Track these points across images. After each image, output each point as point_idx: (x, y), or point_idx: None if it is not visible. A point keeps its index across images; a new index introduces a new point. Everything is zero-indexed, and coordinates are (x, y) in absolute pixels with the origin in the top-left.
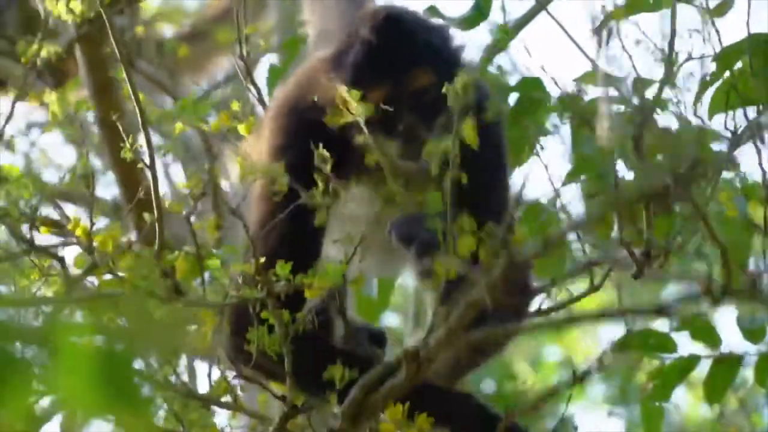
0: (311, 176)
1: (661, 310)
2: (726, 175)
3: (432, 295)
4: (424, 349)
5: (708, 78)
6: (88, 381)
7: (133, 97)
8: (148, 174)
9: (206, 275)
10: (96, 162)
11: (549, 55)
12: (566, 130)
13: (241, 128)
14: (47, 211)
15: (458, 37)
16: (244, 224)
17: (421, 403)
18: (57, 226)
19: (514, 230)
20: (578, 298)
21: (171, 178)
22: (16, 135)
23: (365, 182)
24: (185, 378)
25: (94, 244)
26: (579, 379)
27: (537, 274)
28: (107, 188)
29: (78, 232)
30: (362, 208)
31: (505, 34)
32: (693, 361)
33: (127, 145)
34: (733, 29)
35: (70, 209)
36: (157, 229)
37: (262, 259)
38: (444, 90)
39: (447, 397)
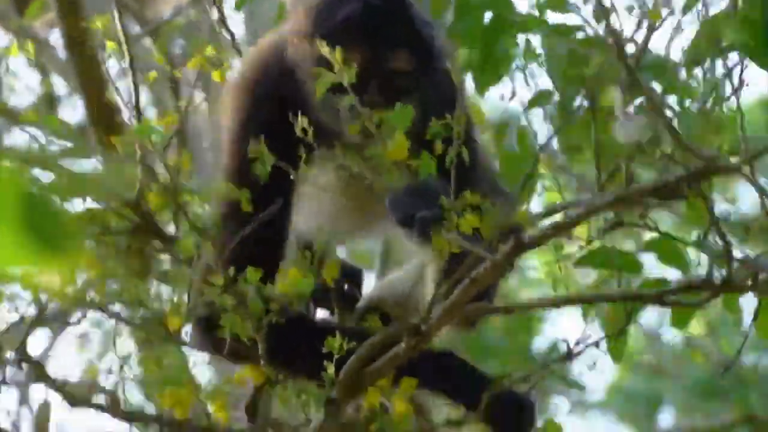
0: (277, 147)
1: (660, 299)
2: None
3: (433, 267)
4: (425, 324)
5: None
6: (10, 223)
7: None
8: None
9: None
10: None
11: None
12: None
13: (215, 75)
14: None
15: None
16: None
17: (411, 365)
18: None
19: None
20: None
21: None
22: None
23: (327, 156)
24: None
25: None
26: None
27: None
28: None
29: None
30: (325, 180)
31: None
32: (660, 284)
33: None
34: None
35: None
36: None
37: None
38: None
39: (437, 359)
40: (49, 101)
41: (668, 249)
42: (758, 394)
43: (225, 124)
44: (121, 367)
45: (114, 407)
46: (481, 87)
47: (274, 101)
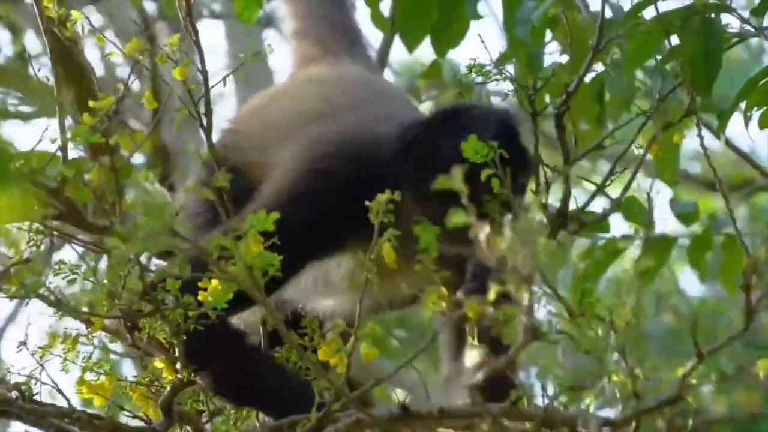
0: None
1: None
2: None
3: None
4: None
5: None
6: None
7: None
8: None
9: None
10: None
11: None
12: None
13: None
14: None
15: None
16: None
17: None
18: None
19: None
20: None
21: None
22: None
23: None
24: None
25: None
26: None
27: None
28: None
29: None
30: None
31: None
32: (625, 241)
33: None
34: None
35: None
36: None
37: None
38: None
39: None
40: (21, 60)
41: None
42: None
43: (296, 178)
44: (40, 359)
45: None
46: (441, 49)
47: (350, 193)
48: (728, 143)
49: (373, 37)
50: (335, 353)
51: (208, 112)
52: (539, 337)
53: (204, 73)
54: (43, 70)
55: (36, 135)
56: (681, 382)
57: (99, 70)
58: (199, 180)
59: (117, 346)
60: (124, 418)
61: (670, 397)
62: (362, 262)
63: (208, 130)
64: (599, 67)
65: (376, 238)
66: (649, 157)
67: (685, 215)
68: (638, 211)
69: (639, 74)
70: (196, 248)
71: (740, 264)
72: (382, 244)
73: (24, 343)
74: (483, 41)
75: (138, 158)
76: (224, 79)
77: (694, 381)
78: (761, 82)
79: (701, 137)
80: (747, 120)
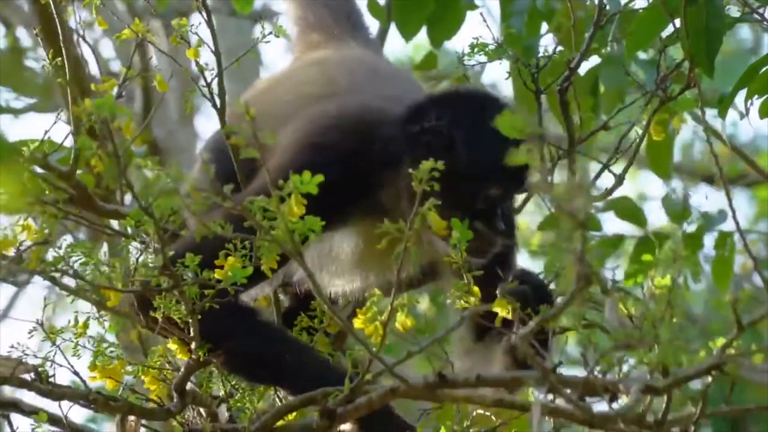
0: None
1: None
2: None
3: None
4: (342, 407)
5: None
6: None
7: None
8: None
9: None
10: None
11: None
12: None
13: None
14: None
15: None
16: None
17: None
18: None
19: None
20: None
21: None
22: None
23: (356, 225)
24: None
25: None
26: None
27: None
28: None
29: None
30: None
31: None
32: (618, 240)
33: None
34: None
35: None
36: None
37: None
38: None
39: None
40: (15, 54)
41: (626, 206)
42: None
43: (296, 152)
44: (53, 342)
45: (40, 383)
46: (437, 40)
47: (349, 167)
48: (722, 136)
49: (370, 27)
50: (371, 321)
51: (221, 93)
52: (592, 283)
53: (217, 53)
54: (36, 65)
55: (27, 130)
56: (720, 352)
57: (92, 68)
58: (206, 162)
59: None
60: (137, 401)
61: (709, 365)
62: (368, 235)
63: (221, 111)
64: (594, 59)
65: (417, 206)
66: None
67: (677, 213)
68: (632, 210)
69: (632, 67)
70: (239, 208)
71: (731, 262)
72: (423, 213)
73: (41, 324)
74: (485, 21)
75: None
76: (231, 65)
77: (733, 351)
78: (761, 71)
79: (704, 123)
80: (747, 109)
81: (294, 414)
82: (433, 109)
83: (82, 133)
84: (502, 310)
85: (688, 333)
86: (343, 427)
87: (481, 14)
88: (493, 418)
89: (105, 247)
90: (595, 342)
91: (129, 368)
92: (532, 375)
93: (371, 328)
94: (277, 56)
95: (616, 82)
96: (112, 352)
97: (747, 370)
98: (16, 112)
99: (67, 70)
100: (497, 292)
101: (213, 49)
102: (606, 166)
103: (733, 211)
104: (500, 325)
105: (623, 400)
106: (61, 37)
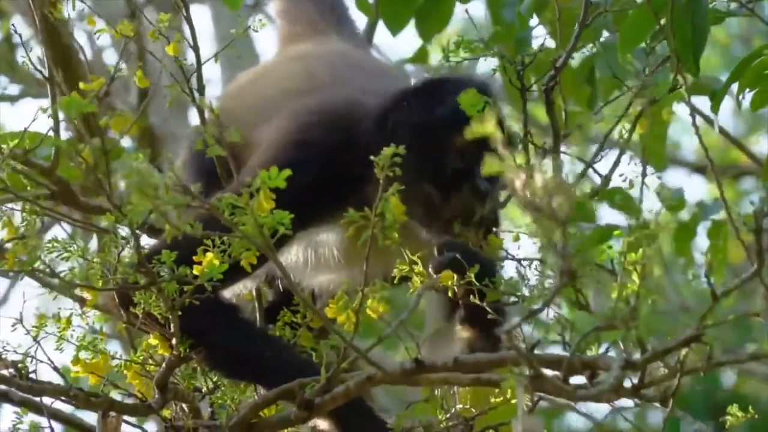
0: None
1: None
2: None
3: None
4: (319, 398)
5: None
6: None
7: None
8: None
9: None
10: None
11: None
12: None
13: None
14: None
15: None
16: None
17: None
18: None
19: None
20: None
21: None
22: None
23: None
24: None
25: None
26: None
27: None
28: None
29: None
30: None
31: None
32: (611, 230)
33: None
34: None
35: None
36: None
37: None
38: None
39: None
40: (8, 43)
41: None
42: None
43: (278, 149)
44: (35, 338)
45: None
46: (426, 33)
47: (333, 163)
48: (720, 129)
49: (358, 21)
50: (343, 310)
51: (201, 89)
52: (575, 279)
53: (196, 48)
54: (31, 54)
55: (23, 116)
56: (698, 324)
57: (87, 55)
58: (189, 156)
59: (106, 328)
60: (119, 396)
61: (687, 337)
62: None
63: (200, 107)
64: (588, 48)
65: (381, 193)
66: (635, 137)
67: (672, 204)
68: (625, 200)
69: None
70: (207, 207)
71: (725, 251)
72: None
73: (20, 320)
74: (470, 17)
75: (126, 142)
76: (215, 55)
77: (709, 322)
78: (753, 64)
79: (693, 116)
80: (739, 102)
81: (272, 408)
82: (405, 103)
83: (68, 129)
84: (450, 283)
85: (661, 305)
86: (320, 426)
87: (467, 11)
88: (472, 410)
89: (95, 243)
90: (571, 321)
91: (113, 362)
92: (511, 356)
93: (343, 317)
94: (273, 45)
95: (613, 68)
96: (95, 347)
97: (721, 353)
98: (12, 99)
99: (47, 64)
100: (429, 268)
101: (192, 44)
102: (590, 165)
103: (725, 200)
104: (454, 297)
105: (602, 376)
106: (38, 24)
